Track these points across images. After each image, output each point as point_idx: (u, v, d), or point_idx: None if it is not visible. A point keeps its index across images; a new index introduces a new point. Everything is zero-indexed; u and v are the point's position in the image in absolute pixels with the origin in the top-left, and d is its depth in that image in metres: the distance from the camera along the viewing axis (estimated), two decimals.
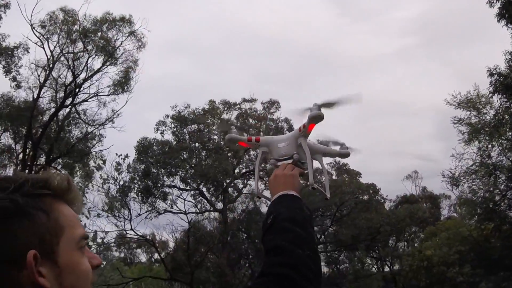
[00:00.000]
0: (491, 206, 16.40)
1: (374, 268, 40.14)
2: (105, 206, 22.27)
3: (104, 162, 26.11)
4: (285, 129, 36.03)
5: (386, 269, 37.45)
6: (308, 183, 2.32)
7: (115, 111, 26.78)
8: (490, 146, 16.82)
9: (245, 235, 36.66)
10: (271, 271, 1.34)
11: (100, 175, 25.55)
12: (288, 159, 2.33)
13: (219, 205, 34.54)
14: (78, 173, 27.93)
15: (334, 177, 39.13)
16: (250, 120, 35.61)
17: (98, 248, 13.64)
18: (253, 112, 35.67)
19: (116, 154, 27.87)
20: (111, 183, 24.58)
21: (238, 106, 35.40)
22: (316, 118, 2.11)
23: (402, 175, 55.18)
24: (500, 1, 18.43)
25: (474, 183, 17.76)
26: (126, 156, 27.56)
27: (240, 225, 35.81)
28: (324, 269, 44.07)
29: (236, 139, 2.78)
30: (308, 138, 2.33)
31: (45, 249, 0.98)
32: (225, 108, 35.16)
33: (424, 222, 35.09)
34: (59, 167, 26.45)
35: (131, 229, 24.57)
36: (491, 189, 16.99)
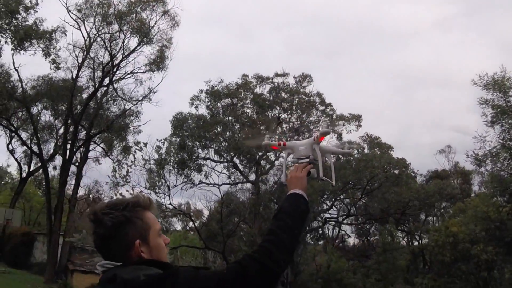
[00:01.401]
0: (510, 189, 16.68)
1: (403, 242, 40.49)
2: (147, 183, 23.73)
3: (146, 145, 27.31)
4: (317, 103, 36.49)
5: (415, 243, 37.82)
6: (320, 176, 3.70)
7: (151, 89, 27.97)
8: None
9: (276, 205, 37.85)
10: (258, 246, 2.06)
11: (142, 156, 26.86)
12: (305, 158, 3.62)
13: (252, 177, 35.77)
14: (118, 147, 29.60)
15: (366, 150, 39.12)
16: (283, 94, 36.20)
17: None
18: (286, 86, 36.20)
19: (157, 139, 28.98)
20: (152, 164, 25.83)
21: (270, 80, 36.01)
22: (325, 134, 3.28)
23: (436, 149, 54.47)
24: None
25: (496, 166, 17.93)
26: (165, 139, 28.50)
27: (271, 196, 36.97)
28: (355, 240, 45.05)
29: (270, 144, 4.40)
30: (321, 143, 3.60)
31: (143, 238, 1.94)
32: (258, 82, 35.85)
33: (454, 198, 35.05)
34: (99, 142, 28.23)
35: (170, 203, 25.97)
36: None
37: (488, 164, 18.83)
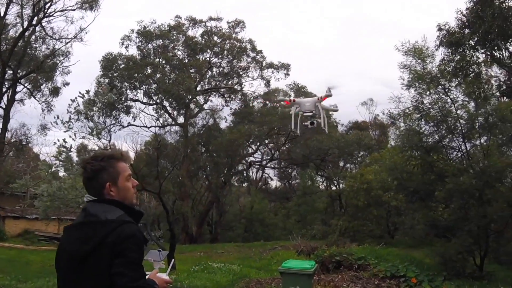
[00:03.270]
0: (419, 143, 18.37)
1: (322, 186, 43.08)
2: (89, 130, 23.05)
3: (88, 92, 26.11)
4: (248, 49, 36.64)
5: (333, 188, 40.45)
6: (322, 126, 9.45)
7: (82, 28, 26.58)
8: (424, 94, 18.39)
9: (204, 148, 38.55)
10: None
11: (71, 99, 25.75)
12: (309, 112, 8.82)
13: (181, 119, 35.89)
14: (46, 89, 28.16)
15: (292, 98, 40.29)
16: (215, 38, 35.88)
17: (60, 158, 14.95)
18: (218, 31, 35.87)
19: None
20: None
21: (204, 23, 35.45)
22: (328, 96, 7.97)
23: (359, 100, 56.97)
24: None
25: (408, 124, 19.48)
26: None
27: (199, 139, 37.51)
28: (277, 183, 47.25)
29: (284, 99, 11.15)
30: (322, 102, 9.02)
31: (113, 181, 2.52)
32: (191, 25, 35.19)
33: (371, 148, 37.57)
34: (26, 85, 26.58)
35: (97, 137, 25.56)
36: (421, 130, 18.86)
37: (401, 122, 20.29)
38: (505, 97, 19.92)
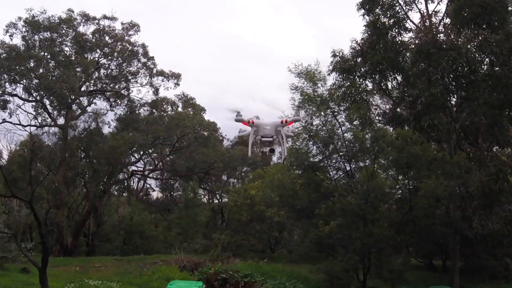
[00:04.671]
0: (306, 163, 19.44)
1: (205, 199, 43.14)
2: None
3: None
4: (140, 54, 35.55)
5: (216, 201, 40.74)
6: (284, 155, 11.30)
7: None
8: (314, 116, 19.60)
9: (84, 154, 36.24)
10: None
11: None
12: (269, 137, 7.79)
13: (61, 120, 33.50)
14: None
15: (179, 109, 39.77)
16: (107, 38, 34.34)
17: None
18: (111, 31, 34.42)
19: None
20: None
21: (97, 21, 33.73)
22: (295, 121, 8.08)
23: (247, 117, 58.42)
24: None
25: (296, 144, 20.50)
26: None
27: (79, 143, 35.20)
28: (159, 194, 46.19)
29: (241, 120, 7.50)
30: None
31: None
32: (83, 21, 33.25)
33: (255, 164, 38.58)
34: None
35: None
36: (309, 150, 20.00)
37: (289, 141, 21.25)
38: (389, 125, 22.02)
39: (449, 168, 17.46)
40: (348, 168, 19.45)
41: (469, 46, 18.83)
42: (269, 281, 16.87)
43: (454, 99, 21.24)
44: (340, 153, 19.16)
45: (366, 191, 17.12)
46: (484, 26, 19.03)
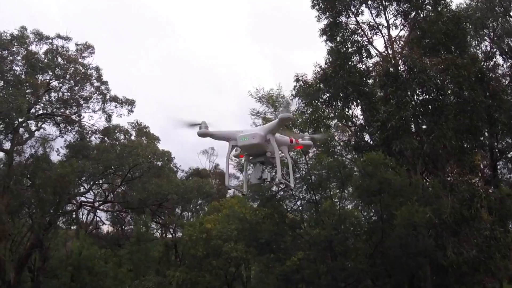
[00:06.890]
0: (267, 195, 18.53)
1: (157, 233, 41.23)
2: None
3: None
4: (93, 78, 34.07)
5: (169, 236, 38.96)
6: (277, 179, 3.59)
7: None
8: None
9: (30, 182, 33.87)
10: None
11: None
12: (261, 156, 4.13)
13: (7, 145, 31.29)
14: None
15: (133, 137, 38.11)
16: (59, 59, 32.76)
17: None
18: (65, 51, 32.92)
19: None
20: None
21: (50, 40, 32.19)
22: (307, 147, 4.54)
23: (201, 148, 57.58)
24: (327, 19, 21.08)
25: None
26: None
27: (25, 170, 32.93)
28: (110, 228, 43.68)
29: (207, 133, 4.11)
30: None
31: None
32: (36, 40, 31.65)
33: (211, 197, 37.40)
34: None
35: None
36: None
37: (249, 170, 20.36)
38: (354, 152, 21.58)
39: (422, 194, 17.00)
40: (314, 198, 18.66)
41: (435, 70, 18.93)
42: None
43: (424, 125, 21.17)
44: (306, 183, 18.38)
45: (336, 222, 16.26)
46: (445, 52, 19.37)
